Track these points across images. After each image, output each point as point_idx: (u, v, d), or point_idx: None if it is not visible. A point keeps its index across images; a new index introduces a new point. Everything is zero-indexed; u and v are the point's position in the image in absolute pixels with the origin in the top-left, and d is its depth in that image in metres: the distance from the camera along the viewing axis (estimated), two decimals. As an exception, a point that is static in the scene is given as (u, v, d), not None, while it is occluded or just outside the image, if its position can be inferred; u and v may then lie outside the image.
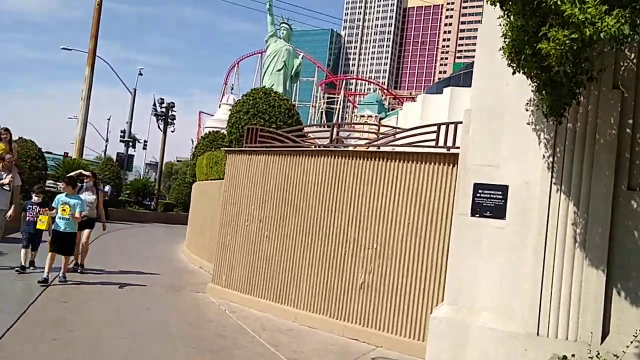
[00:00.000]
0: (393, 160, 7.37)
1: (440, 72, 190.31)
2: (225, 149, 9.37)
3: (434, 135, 7.33)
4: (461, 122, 7.03)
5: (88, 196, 10.07)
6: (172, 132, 34.11)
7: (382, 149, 7.77)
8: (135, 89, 43.56)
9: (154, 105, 35.10)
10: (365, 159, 7.60)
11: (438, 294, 6.73)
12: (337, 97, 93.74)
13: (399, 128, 7.83)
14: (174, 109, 34.01)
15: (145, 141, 56.07)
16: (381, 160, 7.47)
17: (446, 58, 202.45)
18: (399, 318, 7.02)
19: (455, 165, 6.81)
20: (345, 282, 7.58)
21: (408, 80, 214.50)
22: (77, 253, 9.94)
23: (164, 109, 33.45)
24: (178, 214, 30.28)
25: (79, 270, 9.98)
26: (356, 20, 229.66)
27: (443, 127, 7.25)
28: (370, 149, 7.77)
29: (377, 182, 7.47)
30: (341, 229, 7.72)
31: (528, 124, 5.54)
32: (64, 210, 8.86)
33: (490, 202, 5.71)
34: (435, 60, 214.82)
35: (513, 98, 5.70)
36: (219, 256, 9.29)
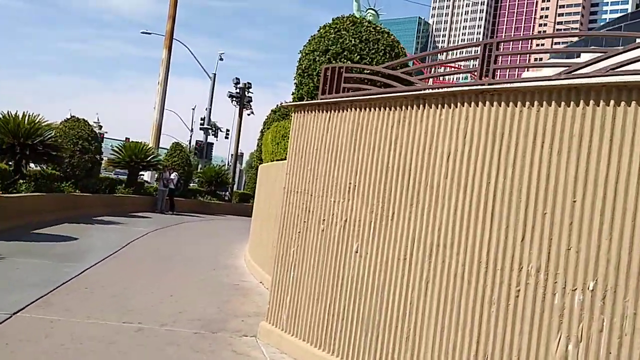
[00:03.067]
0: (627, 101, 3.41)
1: (535, 60, 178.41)
2: (290, 103, 5.72)
3: None
4: None
5: None
6: (248, 115, 31.19)
7: (591, 79, 3.78)
8: (214, 74, 41.37)
9: (237, 89, 32.19)
10: (560, 100, 3.68)
11: None
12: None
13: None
14: (250, 89, 31.01)
15: (228, 130, 54.04)
16: (601, 99, 3.52)
17: (543, 44, 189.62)
18: None
19: None
20: (527, 352, 3.70)
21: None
22: None
23: (239, 90, 30.52)
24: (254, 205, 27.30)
25: None
26: (445, 7, 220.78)
27: None
28: (572, 80, 3.82)
29: (588, 146, 3.53)
30: (508, 244, 3.85)
31: None
32: None
33: None
34: (530, 46, 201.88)
35: None
36: (277, 280, 5.66)
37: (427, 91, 4.48)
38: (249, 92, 31.17)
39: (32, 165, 15.47)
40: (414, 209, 4.44)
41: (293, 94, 7.75)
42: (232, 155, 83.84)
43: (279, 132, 9.12)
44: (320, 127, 5.45)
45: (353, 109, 5.10)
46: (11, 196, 11.69)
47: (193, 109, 65.27)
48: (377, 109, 4.87)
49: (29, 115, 14.17)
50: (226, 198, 29.44)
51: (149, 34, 42.49)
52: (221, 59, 44.08)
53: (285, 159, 8.71)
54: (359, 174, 4.95)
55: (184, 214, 22.69)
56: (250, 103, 31.48)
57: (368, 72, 5.43)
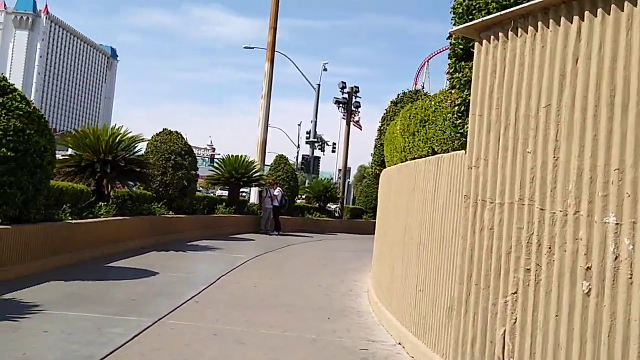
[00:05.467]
0: None
1: None
2: (471, 23, 2.81)
3: None
4: None
5: None
6: (356, 122, 28.55)
7: None
8: (319, 84, 39.46)
9: (343, 95, 29.83)
10: None
11: None
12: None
13: None
14: (358, 94, 28.39)
15: (334, 143, 52.11)
16: None
17: None
18: None
19: None
20: None
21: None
22: None
23: (346, 95, 27.97)
24: (367, 221, 24.49)
25: None
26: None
27: None
28: None
29: None
30: None
31: None
32: None
33: None
34: None
35: None
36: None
37: None
38: (356, 96, 28.57)
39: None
40: None
41: (450, 36, 4.61)
42: (339, 169, 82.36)
43: (414, 118, 6.21)
44: (558, 59, 2.46)
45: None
46: (83, 222, 9.66)
47: (299, 125, 64.19)
48: None
49: (111, 128, 12.33)
50: (336, 214, 26.85)
51: (251, 48, 41.71)
52: (325, 69, 42.17)
53: (427, 155, 5.78)
54: None
55: (290, 233, 20.30)
56: (358, 109, 28.86)
57: None
